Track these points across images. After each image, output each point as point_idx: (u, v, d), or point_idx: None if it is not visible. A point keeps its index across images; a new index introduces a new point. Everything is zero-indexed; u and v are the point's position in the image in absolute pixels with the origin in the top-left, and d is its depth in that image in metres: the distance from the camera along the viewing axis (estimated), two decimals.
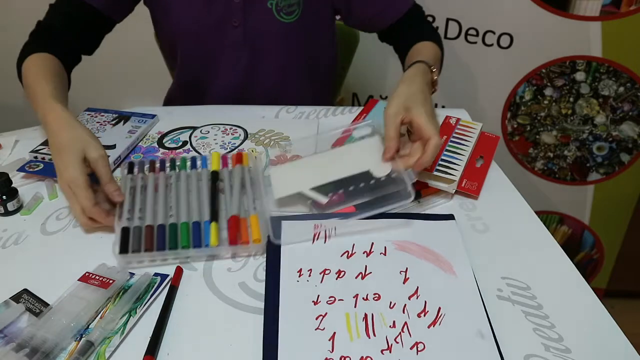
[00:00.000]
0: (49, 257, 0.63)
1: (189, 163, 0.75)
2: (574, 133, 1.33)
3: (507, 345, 0.51)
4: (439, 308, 0.55)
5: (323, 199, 0.65)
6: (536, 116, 1.34)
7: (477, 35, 1.30)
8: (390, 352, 0.50)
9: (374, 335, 0.52)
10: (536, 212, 0.71)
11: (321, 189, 0.66)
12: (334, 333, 0.52)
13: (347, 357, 0.50)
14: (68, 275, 0.59)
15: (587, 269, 1.53)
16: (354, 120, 0.85)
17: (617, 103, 1.26)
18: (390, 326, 0.53)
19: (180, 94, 1.09)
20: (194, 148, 0.85)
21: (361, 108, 0.92)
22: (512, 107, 1.35)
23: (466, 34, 1.31)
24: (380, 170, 0.66)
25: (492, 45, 1.29)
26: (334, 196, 0.65)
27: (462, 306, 0.55)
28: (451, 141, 0.80)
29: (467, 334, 0.52)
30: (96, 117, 0.90)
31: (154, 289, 0.58)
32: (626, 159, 1.33)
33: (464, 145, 0.80)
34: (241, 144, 0.86)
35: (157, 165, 0.74)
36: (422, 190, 0.72)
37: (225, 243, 0.62)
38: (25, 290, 0.58)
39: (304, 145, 0.81)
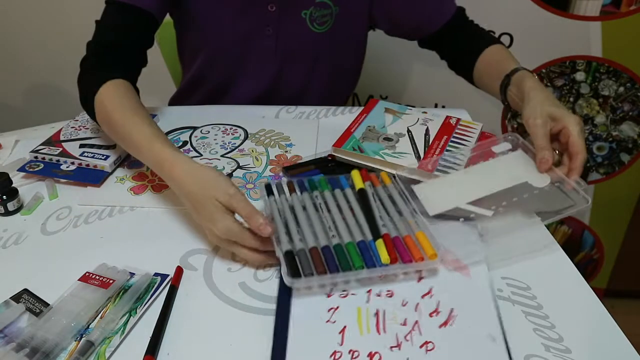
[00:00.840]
0: (49, 257, 0.63)
1: (328, 185, 0.69)
2: None
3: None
4: (452, 309, 0.54)
5: (488, 212, 0.62)
6: None
7: None
8: (399, 349, 0.50)
9: (384, 331, 0.52)
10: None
11: (479, 203, 0.64)
12: (345, 327, 0.52)
13: (356, 351, 0.50)
14: (68, 275, 0.59)
15: (587, 269, 1.53)
16: (354, 121, 0.84)
17: (617, 103, 1.26)
18: (401, 324, 0.53)
19: (194, 97, 1.07)
20: (194, 148, 0.85)
21: (361, 108, 0.92)
22: None
23: None
24: (539, 181, 0.64)
25: None
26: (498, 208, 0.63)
27: (475, 308, 0.55)
28: (452, 141, 0.80)
29: (478, 336, 0.52)
30: (91, 120, 0.90)
31: (154, 289, 0.58)
32: (626, 159, 1.33)
33: (464, 145, 0.80)
34: (241, 143, 0.86)
35: (296, 186, 0.69)
36: None
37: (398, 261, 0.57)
38: (26, 290, 0.58)
39: (305, 147, 0.83)
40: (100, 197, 0.74)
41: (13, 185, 0.71)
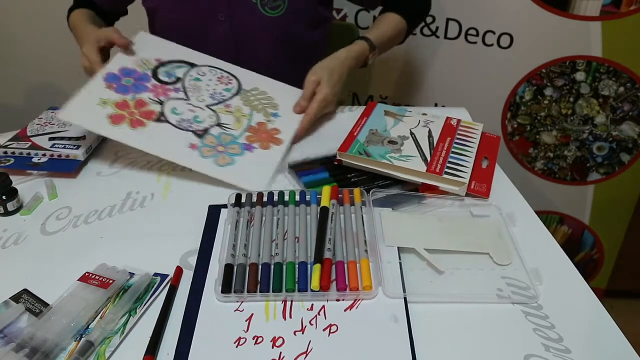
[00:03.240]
0: (49, 257, 0.63)
1: (297, 197, 0.69)
2: (574, 133, 1.33)
3: (507, 345, 0.52)
4: (359, 293, 0.56)
5: (440, 269, 0.60)
6: (536, 116, 1.34)
7: (477, 35, 1.30)
8: (303, 333, 0.52)
9: (290, 317, 0.54)
10: (536, 212, 0.71)
11: (437, 254, 0.62)
12: (252, 314, 0.54)
13: (260, 336, 0.51)
14: (68, 275, 0.58)
15: (587, 269, 1.53)
16: (355, 125, 0.84)
17: (617, 103, 1.26)
18: (307, 309, 0.55)
19: None
20: (184, 88, 0.85)
21: (361, 108, 0.92)
22: (512, 107, 1.35)
23: (466, 34, 1.31)
24: (501, 257, 0.62)
25: (492, 45, 1.29)
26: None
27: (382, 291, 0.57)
28: (456, 143, 0.80)
29: (381, 317, 0.53)
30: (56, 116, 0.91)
31: (154, 289, 0.58)
32: (626, 159, 1.33)
33: (469, 146, 0.80)
34: (231, 97, 0.86)
35: (265, 198, 0.69)
36: (426, 190, 0.72)
37: (333, 287, 0.57)
38: (25, 290, 0.58)
39: (287, 121, 0.85)
40: (78, 115, 0.77)
41: (13, 185, 0.71)
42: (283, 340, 0.51)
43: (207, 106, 0.84)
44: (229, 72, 0.91)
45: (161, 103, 0.82)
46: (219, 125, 0.82)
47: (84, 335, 0.52)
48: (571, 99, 1.29)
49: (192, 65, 0.89)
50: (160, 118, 0.80)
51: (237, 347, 0.50)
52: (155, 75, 0.86)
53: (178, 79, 0.85)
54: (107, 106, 0.78)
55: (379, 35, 0.99)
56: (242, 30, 0.98)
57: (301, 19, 1.01)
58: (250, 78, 0.91)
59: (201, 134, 0.80)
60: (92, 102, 0.79)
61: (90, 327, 0.54)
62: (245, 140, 0.81)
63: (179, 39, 0.99)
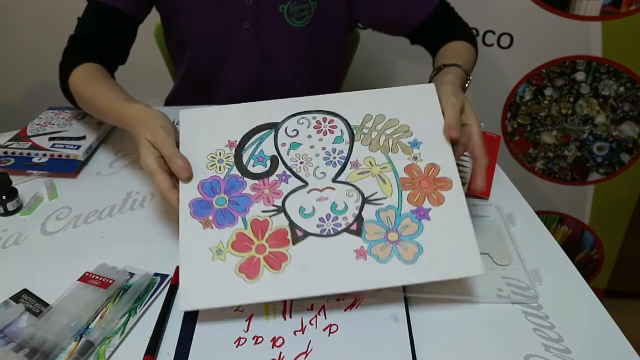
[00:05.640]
0: (49, 257, 0.63)
1: None
2: (574, 133, 1.33)
3: (507, 345, 0.52)
4: (359, 293, 0.56)
5: None
6: (536, 116, 1.34)
7: (477, 35, 1.30)
8: (303, 333, 0.52)
9: (290, 317, 0.53)
10: (536, 212, 0.71)
11: None
12: (252, 315, 0.54)
13: (260, 336, 0.51)
14: (68, 275, 0.58)
15: (587, 269, 1.53)
16: None
17: (617, 103, 1.26)
18: (307, 309, 0.54)
19: (186, 95, 1.09)
20: (290, 169, 0.59)
21: None
22: (512, 107, 1.35)
23: None
24: (501, 257, 0.61)
25: (492, 45, 1.29)
26: None
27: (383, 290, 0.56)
28: None
29: (381, 317, 0.53)
30: (60, 114, 0.91)
31: (154, 289, 0.58)
32: (626, 159, 1.33)
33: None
34: (350, 151, 0.60)
35: None
36: None
37: None
38: (25, 290, 0.58)
39: (434, 144, 0.59)
40: (207, 295, 0.53)
41: (13, 185, 0.71)
42: (283, 340, 0.51)
43: (334, 180, 0.59)
44: (320, 111, 0.64)
45: (281, 210, 0.57)
46: (367, 201, 0.57)
47: (84, 335, 0.52)
48: (571, 99, 1.29)
49: (274, 126, 0.63)
50: (297, 234, 0.55)
51: (237, 347, 0.50)
52: (245, 171, 0.59)
53: (274, 160, 0.60)
54: (225, 255, 0.54)
55: (461, 59, 0.81)
56: (267, 39, 0.96)
57: (325, 31, 0.99)
58: (347, 105, 0.64)
59: (357, 228, 0.56)
60: (204, 261, 0.54)
61: (90, 327, 0.54)
62: (410, 204, 0.57)
63: (201, 45, 0.98)
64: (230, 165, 0.60)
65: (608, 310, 0.56)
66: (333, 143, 0.61)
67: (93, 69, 0.81)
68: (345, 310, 0.54)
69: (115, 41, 0.89)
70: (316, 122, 0.63)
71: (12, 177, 0.72)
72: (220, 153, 0.61)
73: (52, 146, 0.81)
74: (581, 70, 1.24)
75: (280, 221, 0.56)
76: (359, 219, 0.56)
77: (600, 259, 1.51)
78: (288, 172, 0.59)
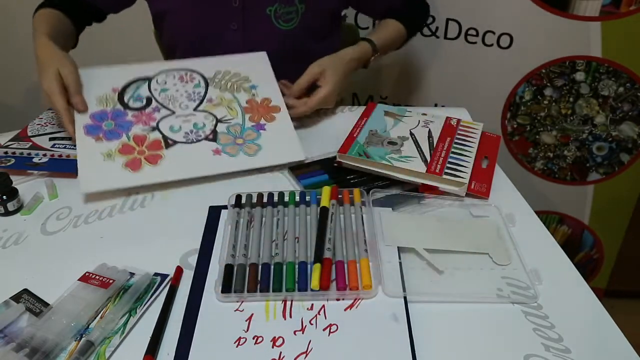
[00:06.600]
0: (49, 257, 0.64)
1: (297, 198, 0.69)
2: (573, 133, 1.33)
3: (507, 345, 0.52)
4: (359, 292, 0.56)
5: (439, 269, 0.60)
6: (536, 116, 1.34)
7: (477, 35, 1.30)
8: (303, 333, 0.52)
9: (290, 317, 0.54)
10: (536, 212, 0.71)
11: (436, 253, 0.62)
12: (252, 314, 0.54)
13: (260, 336, 0.51)
14: (68, 275, 0.59)
15: (587, 269, 1.53)
16: (355, 126, 0.84)
17: (616, 103, 1.26)
18: (308, 308, 0.55)
19: None
20: (161, 104, 0.82)
21: (361, 108, 0.92)
22: (512, 107, 1.35)
23: (466, 34, 1.31)
24: (500, 257, 0.62)
25: (492, 45, 1.29)
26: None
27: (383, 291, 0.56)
28: (455, 143, 0.80)
29: (381, 317, 0.53)
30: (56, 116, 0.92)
31: (154, 289, 0.58)
32: (626, 159, 1.33)
33: (468, 146, 0.80)
34: (206, 92, 0.84)
35: (265, 199, 0.69)
36: (426, 191, 0.72)
37: (333, 287, 0.57)
38: (25, 290, 0.58)
39: (268, 87, 0.86)
40: (97, 181, 0.72)
41: (13, 185, 0.71)
42: (283, 340, 0.51)
43: (195, 110, 0.83)
44: (184, 69, 0.88)
45: (156, 129, 0.79)
46: (220, 121, 0.82)
47: (84, 335, 0.52)
48: (571, 99, 1.29)
49: (148, 78, 0.85)
50: (168, 142, 0.78)
51: (237, 347, 0.50)
52: (126, 105, 0.81)
53: (148, 99, 0.82)
54: (114, 157, 0.75)
55: (382, 38, 1.01)
56: (254, 41, 0.97)
57: (312, 33, 1.01)
58: (205, 65, 0.89)
59: (212, 137, 0.80)
60: (97, 161, 0.74)
61: (90, 327, 0.54)
62: (251, 122, 0.82)
63: (190, 45, 0.99)
64: (115, 102, 0.81)
65: (608, 310, 0.56)
66: (193, 87, 0.85)
67: (53, 13, 0.92)
68: (345, 310, 0.54)
69: (87, 13, 1.00)
70: (180, 76, 0.87)
71: (12, 177, 0.72)
72: (106, 96, 0.82)
73: (53, 146, 0.81)
74: (581, 70, 1.24)
75: (155, 135, 0.79)
76: (214, 132, 0.80)
77: (599, 259, 1.51)
78: (159, 106, 0.82)
